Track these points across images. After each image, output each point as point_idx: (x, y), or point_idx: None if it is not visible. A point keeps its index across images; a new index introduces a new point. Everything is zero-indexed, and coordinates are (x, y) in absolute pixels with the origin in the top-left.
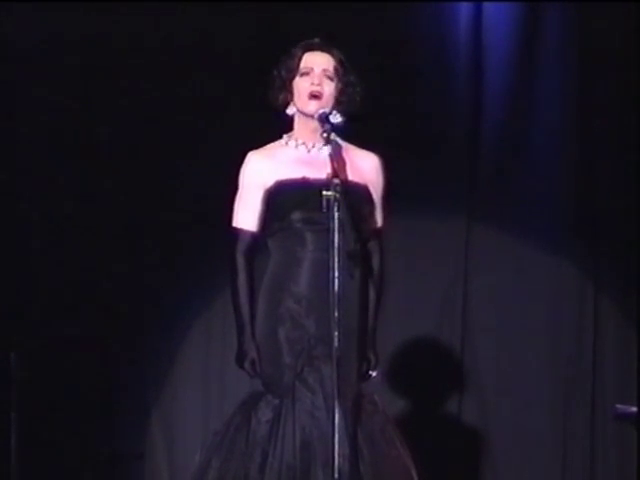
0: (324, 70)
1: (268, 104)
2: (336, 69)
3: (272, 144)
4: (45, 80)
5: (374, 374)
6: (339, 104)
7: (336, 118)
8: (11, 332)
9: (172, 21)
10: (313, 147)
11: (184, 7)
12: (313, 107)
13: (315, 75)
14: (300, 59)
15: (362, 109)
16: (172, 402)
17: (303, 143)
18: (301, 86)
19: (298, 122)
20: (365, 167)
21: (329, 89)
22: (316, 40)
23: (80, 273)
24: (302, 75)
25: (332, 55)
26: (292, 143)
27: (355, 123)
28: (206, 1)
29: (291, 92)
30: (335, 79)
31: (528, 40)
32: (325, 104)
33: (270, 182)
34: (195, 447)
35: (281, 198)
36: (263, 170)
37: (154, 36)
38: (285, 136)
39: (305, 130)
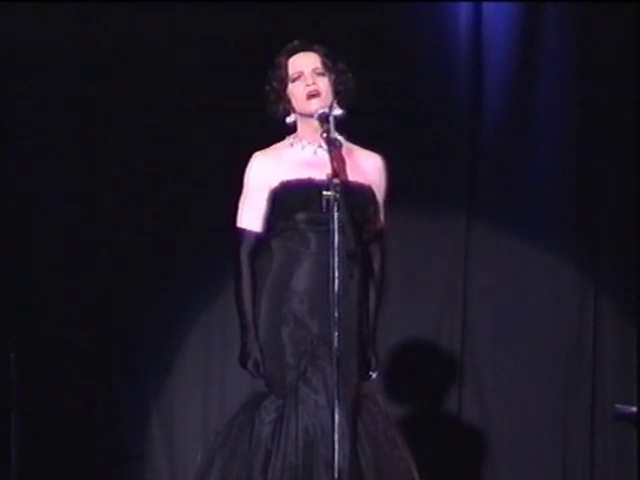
0: (314, 69)
1: (270, 118)
2: (324, 63)
3: (277, 144)
4: (45, 80)
5: (374, 375)
6: (338, 94)
7: (336, 111)
8: (11, 332)
9: (173, 21)
10: (318, 148)
11: (185, 7)
12: (315, 105)
13: (307, 76)
14: (287, 66)
15: (360, 100)
16: (172, 402)
17: (308, 143)
18: (296, 91)
19: (301, 124)
20: (369, 167)
21: (324, 85)
22: (296, 42)
23: (80, 273)
24: (294, 80)
25: (316, 52)
26: (297, 144)
27: (355, 121)
28: (208, 1)
29: (288, 101)
30: (326, 73)
31: (528, 40)
32: (325, 100)
33: (275, 182)
34: (195, 447)
35: (286, 199)
36: (268, 170)
37: (155, 36)
38: (289, 137)
39: (309, 131)
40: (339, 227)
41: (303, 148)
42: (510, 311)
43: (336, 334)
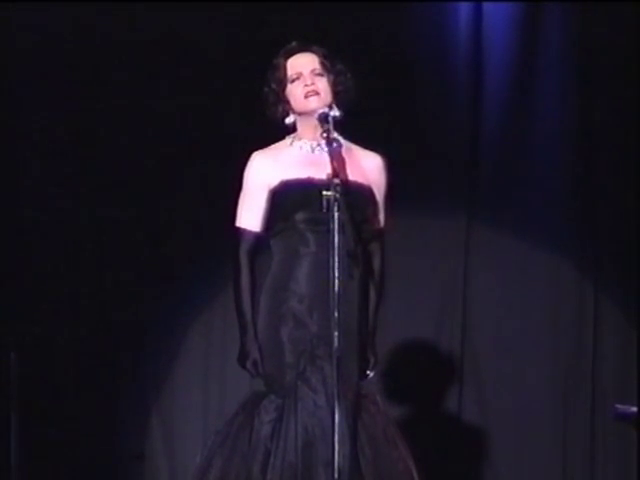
0: (312, 70)
1: (269, 119)
2: (323, 64)
3: (276, 144)
4: (45, 80)
5: (371, 374)
6: (337, 95)
7: (334, 112)
8: (11, 332)
9: (173, 21)
10: (317, 147)
11: (186, 8)
12: (314, 104)
13: (305, 77)
14: (285, 67)
15: (359, 101)
16: (172, 402)
17: (307, 143)
18: (295, 91)
19: (300, 124)
20: (369, 167)
21: (323, 85)
22: (294, 43)
23: (80, 273)
24: (293, 81)
25: (314, 53)
26: (296, 144)
27: (355, 121)
28: (209, 2)
29: (287, 102)
30: (325, 74)
31: (528, 40)
32: (324, 99)
33: (274, 182)
34: (195, 447)
35: (285, 198)
36: (267, 170)
37: (154, 37)
38: (289, 137)
39: (308, 131)
40: (339, 227)
41: (301, 147)
42: (510, 311)
43: (336, 334)
